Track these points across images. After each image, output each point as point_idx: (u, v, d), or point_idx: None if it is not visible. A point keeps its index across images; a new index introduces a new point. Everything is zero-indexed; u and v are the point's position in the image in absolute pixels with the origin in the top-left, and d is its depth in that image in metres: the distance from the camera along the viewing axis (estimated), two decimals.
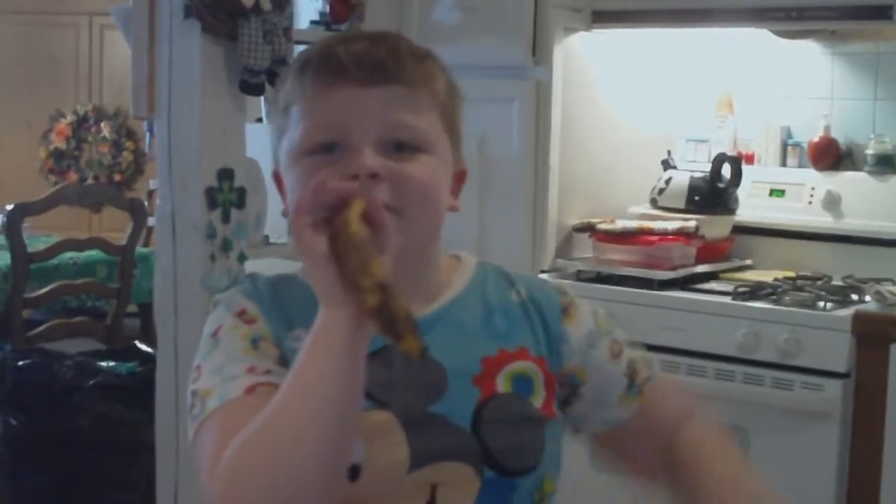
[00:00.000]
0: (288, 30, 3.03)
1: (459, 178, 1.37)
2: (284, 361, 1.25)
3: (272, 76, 3.01)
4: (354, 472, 1.22)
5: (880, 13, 3.03)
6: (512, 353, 1.34)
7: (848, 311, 2.92)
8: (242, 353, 1.26)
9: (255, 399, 1.19)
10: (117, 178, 7.60)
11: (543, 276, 3.31)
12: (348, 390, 1.14)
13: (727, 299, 3.08)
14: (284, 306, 1.28)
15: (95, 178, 7.58)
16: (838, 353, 2.85)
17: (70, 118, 7.68)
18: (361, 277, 1.10)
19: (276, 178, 1.34)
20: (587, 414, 1.40)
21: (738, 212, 3.55)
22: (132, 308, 4.88)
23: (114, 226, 5.25)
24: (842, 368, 2.85)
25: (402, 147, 1.26)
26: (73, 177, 7.58)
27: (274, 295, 1.31)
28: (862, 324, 2.85)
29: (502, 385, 1.31)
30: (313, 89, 1.28)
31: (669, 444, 1.41)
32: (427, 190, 1.27)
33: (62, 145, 7.68)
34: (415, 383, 1.28)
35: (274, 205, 3.28)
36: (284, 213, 1.30)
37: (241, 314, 1.29)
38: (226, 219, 3.02)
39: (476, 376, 1.30)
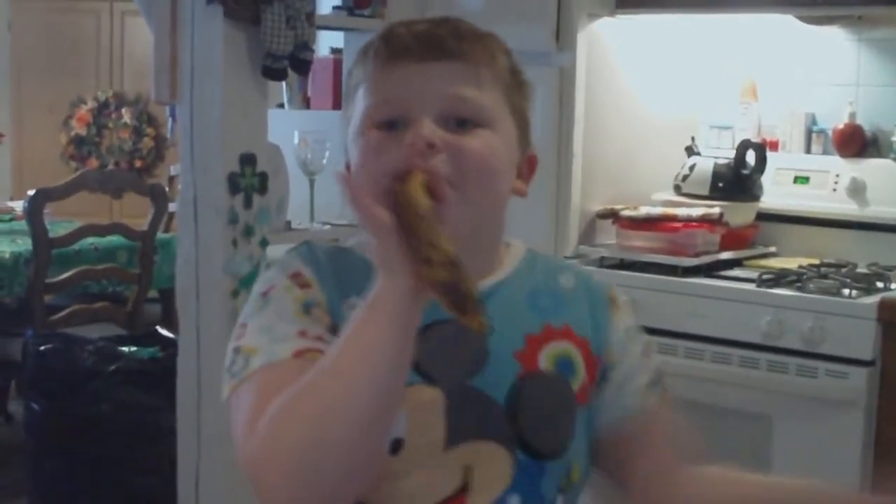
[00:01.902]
0: (311, 15, 3.03)
1: (530, 163, 1.37)
2: (336, 330, 1.23)
3: (295, 61, 3.02)
4: (396, 446, 1.22)
5: None
6: (557, 330, 1.34)
7: (873, 299, 2.90)
8: (294, 315, 1.25)
9: (302, 364, 1.18)
10: (138, 164, 7.61)
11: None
12: (399, 360, 1.13)
13: (751, 286, 3.07)
14: (341, 275, 1.27)
15: (116, 163, 7.59)
16: (863, 340, 2.83)
17: (91, 104, 7.69)
18: (431, 251, 1.09)
19: (348, 168, 1.33)
20: (607, 400, 1.37)
21: (763, 199, 3.53)
22: (153, 293, 4.88)
23: (135, 212, 5.26)
24: (867, 356, 2.83)
25: (464, 123, 1.26)
26: (93, 163, 7.59)
27: (331, 263, 1.30)
28: (887, 311, 2.83)
29: (545, 363, 1.31)
30: (375, 68, 1.29)
31: (670, 466, 1.36)
32: (485, 164, 1.26)
33: (83, 131, 7.69)
34: (461, 356, 1.27)
35: (296, 190, 3.30)
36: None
37: (296, 277, 1.28)
38: (248, 204, 3.02)
39: (518, 351, 1.30)
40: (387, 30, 1.31)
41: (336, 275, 1.29)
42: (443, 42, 1.28)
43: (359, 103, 1.30)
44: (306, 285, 1.28)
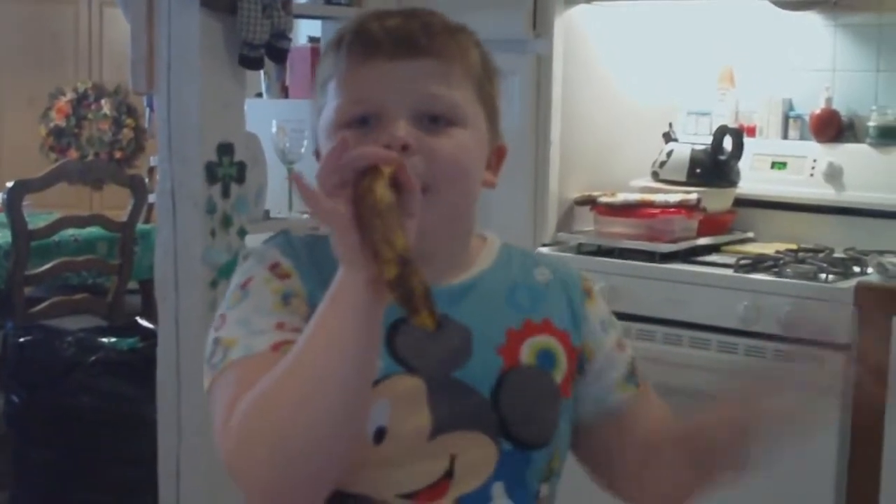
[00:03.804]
0: (287, 3, 3.03)
1: (498, 153, 1.37)
2: None
3: (271, 50, 3.02)
4: (380, 435, 1.23)
5: None
6: (537, 324, 1.35)
7: (850, 283, 2.91)
8: (272, 307, 1.25)
9: (279, 356, 1.18)
10: (118, 155, 7.61)
11: (544, 249, 3.32)
12: (364, 351, 1.13)
13: (729, 272, 3.08)
14: (320, 264, 1.27)
15: (96, 154, 7.59)
16: (840, 325, 2.83)
17: (70, 95, 7.68)
18: (382, 247, 1.09)
19: (317, 155, 1.33)
20: (585, 393, 1.39)
21: (740, 185, 3.54)
22: (133, 285, 4.88)
23: (115, 203, 5.26)
24: (843, 340, 2.84)
25: (436, 120, 1.27)
26: (73, 154, 7.58)
27: (309, 253, 1.31)
28: (864, 296, 2.85)
29: (526, 357, 1.32)
30: (347, 64, 1.29)
31: (647, 448, 1.39)
32: (458, 165, 1.28)
33: (62, 123, 7.68)
34: (442, 349, 1.28)
35: (274, 179, 3.30)
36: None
37: (275, 268, 1.29)
38: (226, 194, 3.03)
39: (500, 346, 1.31)
40: (358, 23, 1.31)
41: (315, 264, 1.29)
42: (414, 39, 1.27)
43: (330, 99, 1.30)
44: (285, 276, 1.28)
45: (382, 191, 1.12)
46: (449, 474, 1.26)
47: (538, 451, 1.31)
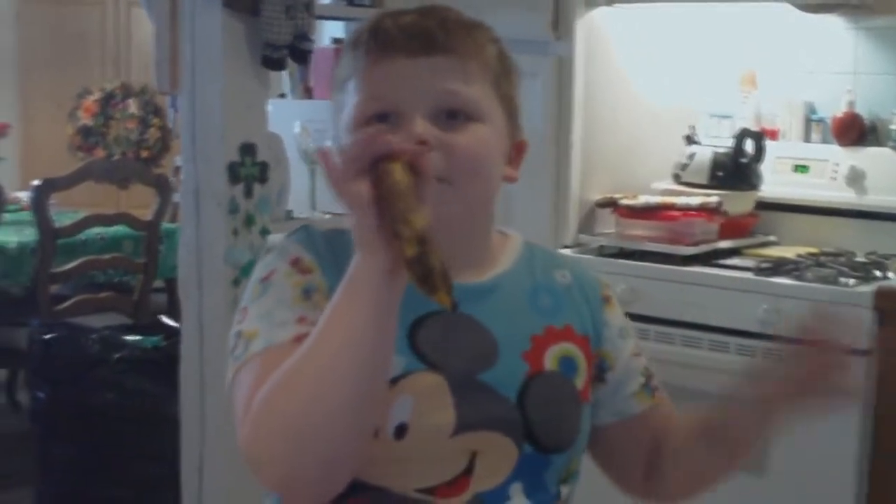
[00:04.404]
0: (310, 4, 3.04)
1: (518, 148, 1.39)
2: None
3: (294, 51, 3.04)
4: (401, 431, 1.25)
5: None
6: (559, 330, 1.37)
7: (870, 287, 2.92)
8: (294, 301, 1.27)
9: None
10: (144, 154, 7.63)
11: (566, 251, 3.33)
12: (380, 337, 1.15)
13: (749, 275, 3.09)
14: (340, 258, 1.28)
15: (122, 154, 7.62)
16: (860, 329, 2.81)
17: (97, 95, 7.71)
18: (401, 227, 1.11)
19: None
20: (604, 401, 1.43)
21: (762, 188, 3.55)
22: (158, 283, 4.90)
23: (140, 202, 5.29)
24: (862, 345, 2.85)
25: (454, 115, 1.29)
26: (100, 153, 7.60)
27: (330, 248, 1.32)
28: (883, 300, 2.85)
29: (549, 363, 1.34)
30: (365, 63, 1.31)
31: (659, 454, 1.44)
32: (476, 160, 1.29)
33: (89, 122, 7.71)
34: (467, 349, 1.30)
35: (297, 179, 3.32)
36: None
37: (296, 263, 1.31)
38: (248, 193, 3.04)
39: (525, 352, 1.33)
40: (374, 22, 1.33)
41: (335, 258, 1.30)
42: (431, 35, 1.29)
43: (349, 97, 1.32)
44: (307, 271, 1.30)
45: (400, 174, 1.14)
46: (468, 471, 1.28)
47: (558, 455, 1.33)
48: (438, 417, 1.27)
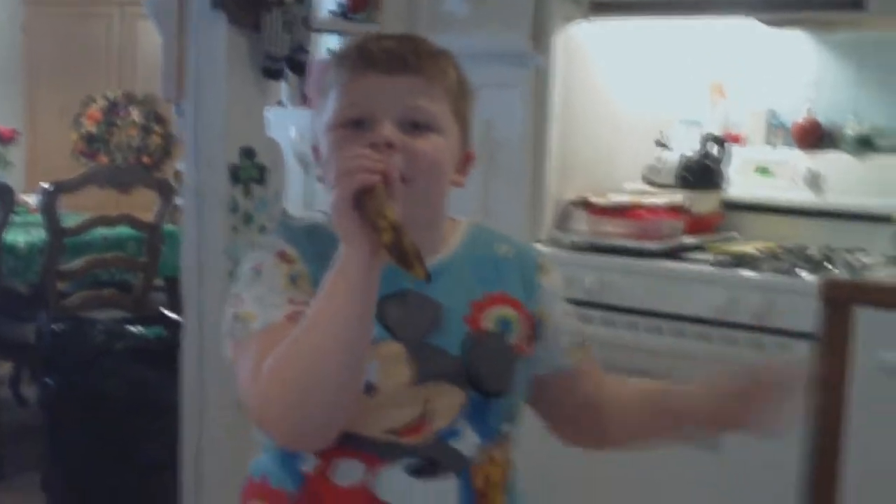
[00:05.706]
0: (306, 19, 3.20)
1: (466, 159, 1.62)
2: None
3: (292, 62, 3.20)
4: (370, 388, 1.48)
5: (853, 4, 3.21)
6: (496, 295, 1.60)
7: (817, 278, 3.08)
8: (283, 287, 1.50)
9: (293, 325, 1.43)
10: (146, 160, 7.66)
11: (541, 246, 3.46)
12: (364, 314, 1.39)
13: (710, 268, 3.26)
14: (320, 249, 1.51)
15: (125, 160, 7.70)
16: (808, 316, 3.02)
17: (101, 103, 7.75)
18: (378, 219, 1.35)
19: (315, 151, 1.59)
20: (542, 356, 1.66)
21: (729, 189, 3.71)
22: (159, 282, 5.01)
23: (142, 206, 5.37)
24: (810, 329, 3.03)
25: (417, 126, 1.52)
26: (103, 159, 7.65)
27: (310, 240, 1.55)
28: (828, 289, 3.01)
29: (487, 323, 1.58)
30: (348, 75, 1.54)
31: (594, 400, 1.70)
32: (434, 164, 1.53)
33: (93, 129, 7.76)
34: (420, 319, 1.54)
35: (292, 181, 3.47)
36: (319, 178, 1.56)
37: (282, 255, 1.53)
38: (247, 194, 3.19)
39: (466, 316, 1.56)
40: (360, 43, 1.57)
41: (314, 248, 1.53)
42: (405, 59, 1.53)
43: (331, 103, 1.55)
44: (291, 261, 1.53)
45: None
46: (424, 415, 1.52)
47: (497, 399, 1.57)
48: (398, 375, 1.51)
